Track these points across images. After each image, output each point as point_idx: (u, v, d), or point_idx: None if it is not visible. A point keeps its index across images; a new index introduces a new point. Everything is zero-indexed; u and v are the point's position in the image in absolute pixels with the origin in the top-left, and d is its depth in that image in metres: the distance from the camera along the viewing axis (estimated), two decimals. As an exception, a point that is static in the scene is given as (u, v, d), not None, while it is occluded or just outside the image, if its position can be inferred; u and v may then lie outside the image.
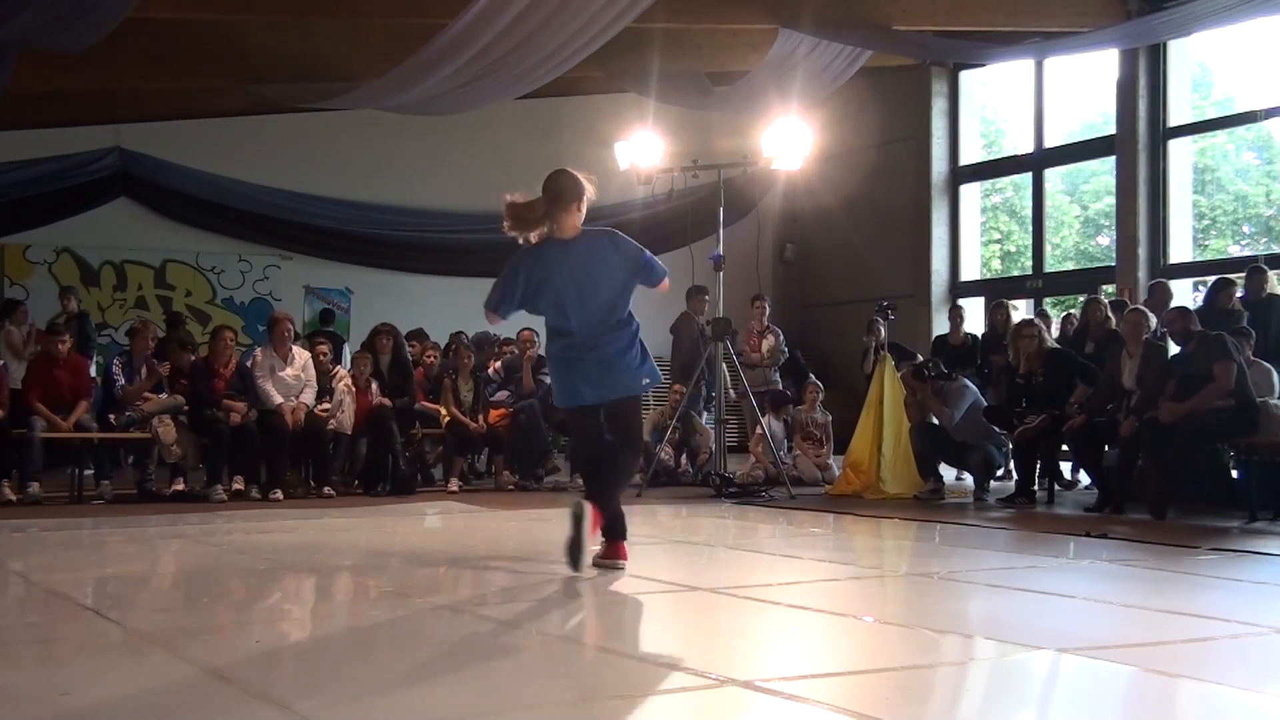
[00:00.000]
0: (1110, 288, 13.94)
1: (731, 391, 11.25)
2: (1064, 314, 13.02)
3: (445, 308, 14.55)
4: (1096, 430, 8.41)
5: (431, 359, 10.96)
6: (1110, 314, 9.87)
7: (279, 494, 9.15)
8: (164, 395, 9.39)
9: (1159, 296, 10.04)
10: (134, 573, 5.66)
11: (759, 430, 10.76)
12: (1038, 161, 15.39)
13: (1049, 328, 10.53)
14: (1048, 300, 15.24)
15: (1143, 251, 13.41)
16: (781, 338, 11.79)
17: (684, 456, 11.15)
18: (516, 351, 11.00)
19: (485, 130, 15.05)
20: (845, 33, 12.06)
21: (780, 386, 11.71)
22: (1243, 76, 17.84)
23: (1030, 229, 15.82)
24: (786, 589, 5.01)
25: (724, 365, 10.32)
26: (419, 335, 11.43)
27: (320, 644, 4.06)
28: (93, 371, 10.08)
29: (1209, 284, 10.42)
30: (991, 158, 17.23)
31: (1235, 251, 18.04)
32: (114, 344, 13.84)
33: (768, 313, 11.89)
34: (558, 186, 5.17)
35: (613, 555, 5.20)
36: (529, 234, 5.17)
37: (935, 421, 9.45)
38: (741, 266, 12.74)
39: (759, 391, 11.07)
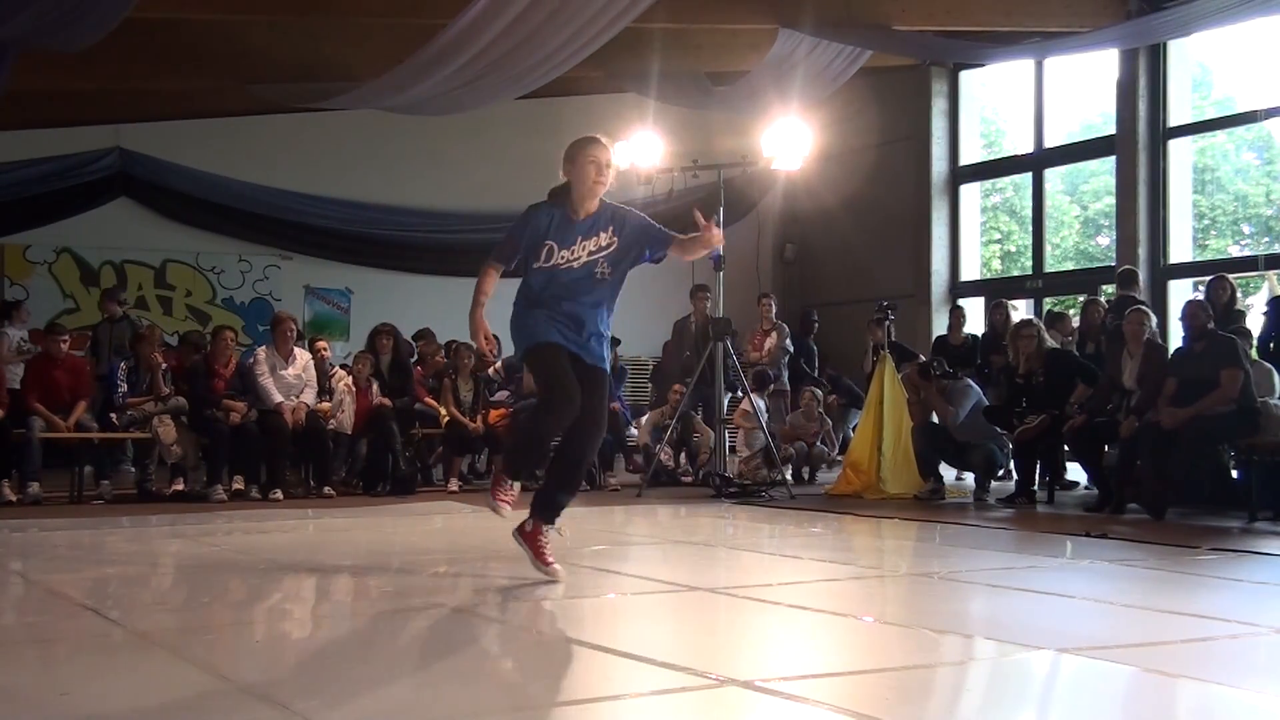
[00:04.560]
0: (1110, 288, 13.95)
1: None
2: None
3: (445, 308, 14.53)
4: (1096, 430, 8.41)
5: (440, 358, 11.01)
6: (1104, 314, 9.92)
7: (279, 494, 9.16)
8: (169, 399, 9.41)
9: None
10: (134, 573, 5.66)
11: (740, 408, 10.71)
12: (1038, 161, 15.38)
13: (1066, 327, 10.57)
14: (1047, 300, 15.23)
15: (1143, 251, 13.41)
16: (787, 335, 11.78)
17: (684, 456, 11.16)
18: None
19: (485, 130, 15.04)
20: (845, 33, 12.05)
21: (787, 385, 11.70)
22: (1243, 76, 17.83)
23: (1030, 229, 15.82)
24: (786, 589, 5.01)
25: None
26: (425, 335, 11.46)
27: (320, 644, 4.06)
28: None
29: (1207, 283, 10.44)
30: (991, 158, 17.21)
31: (1235, 251, 18.03)
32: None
33: (774, 310, 11.88)
34: None
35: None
36: None
37: (937, 421, 9.45)
38: (741, 266, 12.74)
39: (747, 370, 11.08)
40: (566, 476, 5.07)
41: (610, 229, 5.01)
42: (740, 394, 11.26)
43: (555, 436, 5.01)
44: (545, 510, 4.98)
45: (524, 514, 5.00)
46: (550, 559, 4.95)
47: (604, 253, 4.99)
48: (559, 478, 5.07)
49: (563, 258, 4.93)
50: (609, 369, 5.15)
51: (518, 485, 5.02)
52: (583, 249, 4.95)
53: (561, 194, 5.03)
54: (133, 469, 10.34)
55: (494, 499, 4.95)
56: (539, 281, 4.96)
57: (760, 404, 10.86)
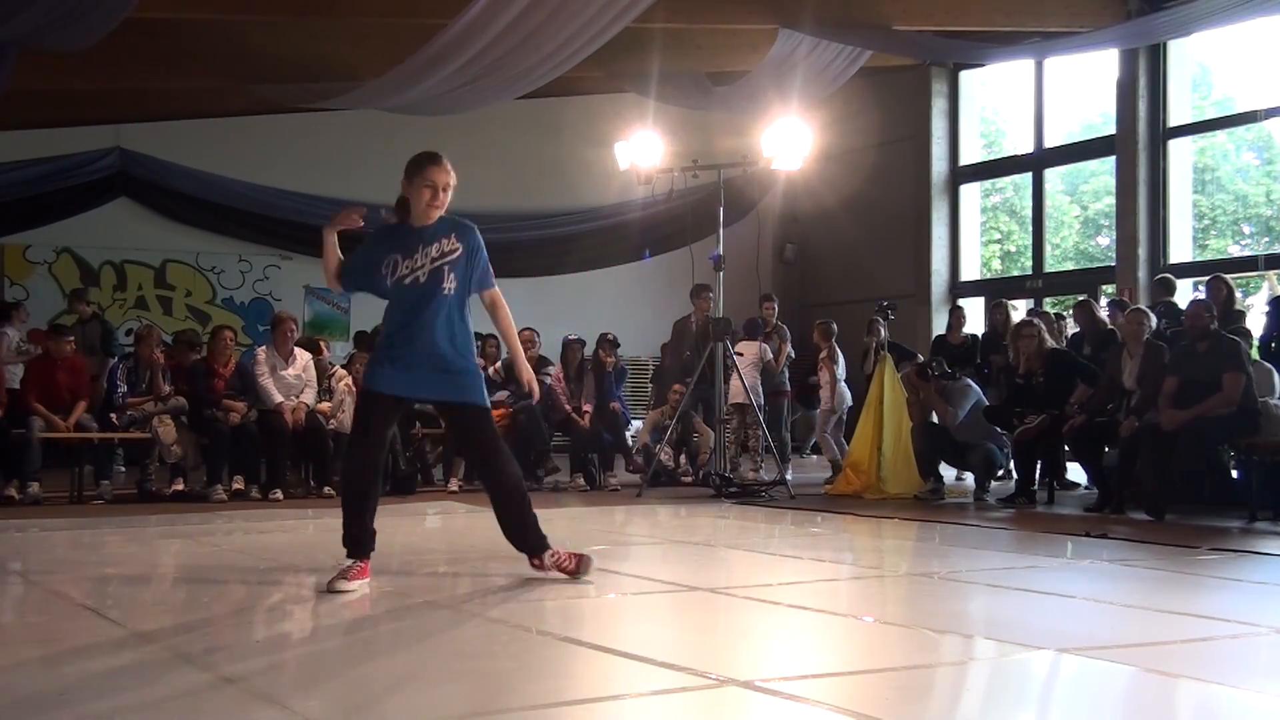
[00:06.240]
0: (1110, 287, 13.95)
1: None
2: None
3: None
4: (1096, 430, 8.40)
5: None
6: (1098, 314, 9.90)
7: (279, 494, 9.15)
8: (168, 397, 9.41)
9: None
10: (134, 573, 5.66)
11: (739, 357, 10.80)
12: (1038, 161, 15.39)
13: (1062, 328, 10.55)
14: (1047, 300, 15.24)
15: (1143, 251, 13.42)
16: (788, 337, 11.81)
17: (684, 456, 11.16)
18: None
19: (485, 130, 15.05)
20: (845, 33, 12.06)
21: (788, 385, 11.71)
22: (1243, 76, 17.85)
23: (1030, 229, 15.83)
24: (786, 589, 5.00)
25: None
26: None
27: (320, 644, 4.06)
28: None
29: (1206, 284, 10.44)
30: (991, 158, 17.23)
31: (1235, 251, 18.04)
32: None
33: (776, 313, 11.92)
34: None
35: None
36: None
37: (937, 421, 9.45)
38: (741, 266, 12.73)
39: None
40: (515, 509, 5.00)
41: (452, 235, 4.94)
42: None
43: (364, 482, 4.91)
44: (534, 544, 5.01)
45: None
46: (574, 556, 5.01)
47: (448, 259, 4.88)
48: (512, 514, 5.00)
49: (408, 268, 4.84)
50: (487, 402, 5.02)
51: (364, 563, 4.86)
52: (425, 256, 4.86)
53: (402, 209, 5.01)
54: (123, 469, 10.34)
55: (342, 581, 4.74)
56: (391, 308, 4.94)
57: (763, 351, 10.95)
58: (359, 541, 4.89)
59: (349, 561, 4.86)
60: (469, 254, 4.94)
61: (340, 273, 5.06)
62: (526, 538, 5.03)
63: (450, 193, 4.96)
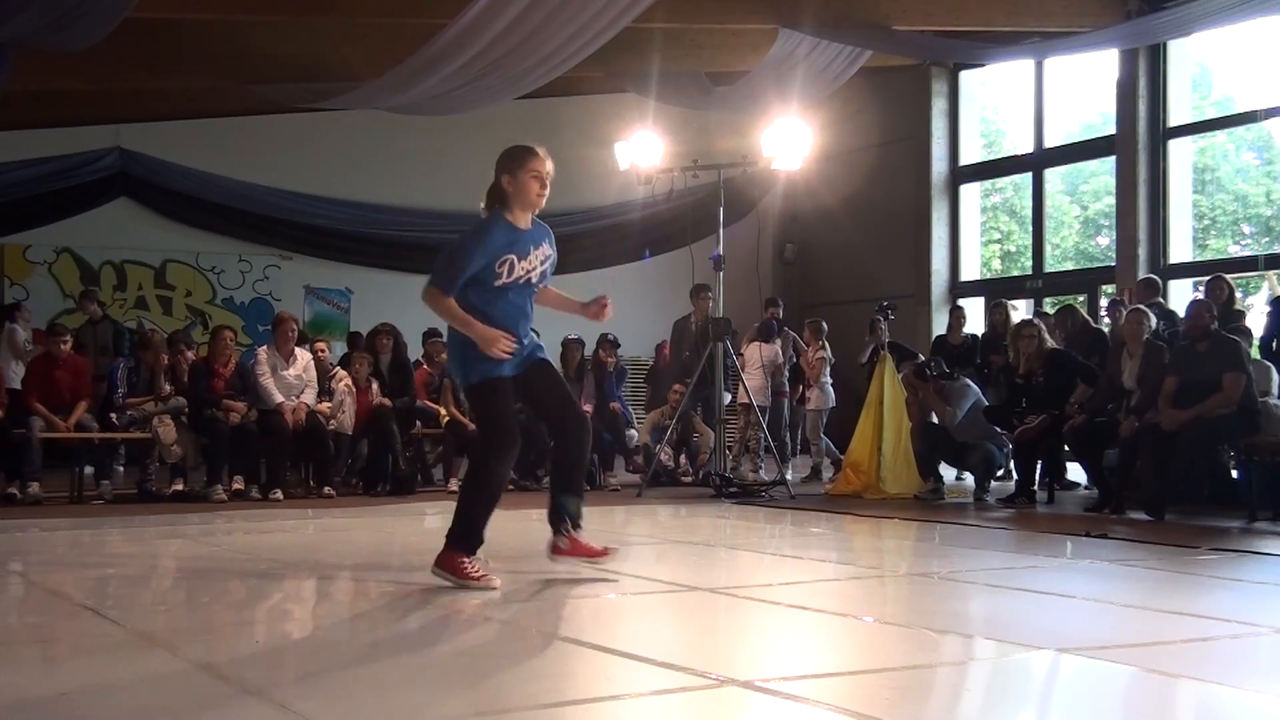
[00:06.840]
0: (1110, 287, 13.94)
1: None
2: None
3: (445, 308, 14.52)
4: (1096, 430, 8.40)
5: (444, 357, 10.99)
6: (1075, 319, 9.90)
7: (279, 494, 9.16)
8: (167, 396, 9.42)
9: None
10: (134, 573, 5.66)
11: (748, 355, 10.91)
12: (1038, 161, 15.38)
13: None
14: (1047, 300, 15.24)
15: (1143, 251, 13.41)
16: (791, 341, 11.84)
17: (684, 456, 11.17)
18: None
19: (485, 130, 14.89)
20: (845, 33, 12.06)
21: (786, 386, 11.73)
22: (1243, 76, 17.84)
23: (1030, 229, 15.82)
24: (786, 589, 5.01)
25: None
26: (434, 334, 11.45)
27: (320, 644, 4.06)
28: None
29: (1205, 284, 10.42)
30: (991, 158, 17.22)
31: (1235, 251, 18.04)
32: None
33: (782, 316, 11.96)
34: None
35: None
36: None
37: (936, 421, 9.45)
38: (741, 266, 12.73)
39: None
40: (576, 481, 5.04)
41: (545, 242, 4.93)
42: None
43: (506, 481, 4.96)
44: (571, 518, 4.97)
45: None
46: (601, 547, 5.02)
47: (547, 263, 4.92)
48: (571, 485, 5.01)
49: (523, 269, 4.78)
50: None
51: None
52: (536, 259, 4.84)
53: (501, 202, 4.88)
54: (122, 468, 10.34)
55: (465, 578, 4.73)
56: (491, 302, 4.78)
57: (770, 353, 10.96)
58: (480, 539, 4.85)
59: (468, 559, 4.76)
60: (554, 257, 5.00)
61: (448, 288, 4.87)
62: (564, 512, 4.93)
63: (549, 183, 4.90)
